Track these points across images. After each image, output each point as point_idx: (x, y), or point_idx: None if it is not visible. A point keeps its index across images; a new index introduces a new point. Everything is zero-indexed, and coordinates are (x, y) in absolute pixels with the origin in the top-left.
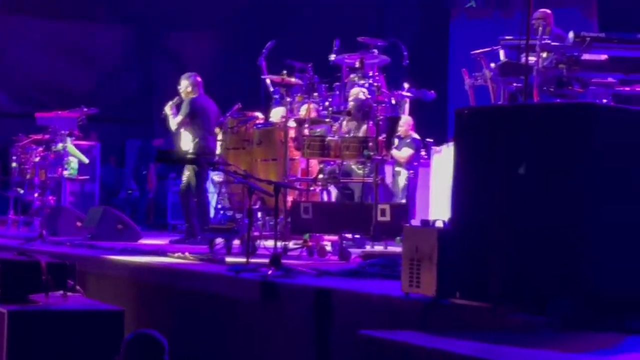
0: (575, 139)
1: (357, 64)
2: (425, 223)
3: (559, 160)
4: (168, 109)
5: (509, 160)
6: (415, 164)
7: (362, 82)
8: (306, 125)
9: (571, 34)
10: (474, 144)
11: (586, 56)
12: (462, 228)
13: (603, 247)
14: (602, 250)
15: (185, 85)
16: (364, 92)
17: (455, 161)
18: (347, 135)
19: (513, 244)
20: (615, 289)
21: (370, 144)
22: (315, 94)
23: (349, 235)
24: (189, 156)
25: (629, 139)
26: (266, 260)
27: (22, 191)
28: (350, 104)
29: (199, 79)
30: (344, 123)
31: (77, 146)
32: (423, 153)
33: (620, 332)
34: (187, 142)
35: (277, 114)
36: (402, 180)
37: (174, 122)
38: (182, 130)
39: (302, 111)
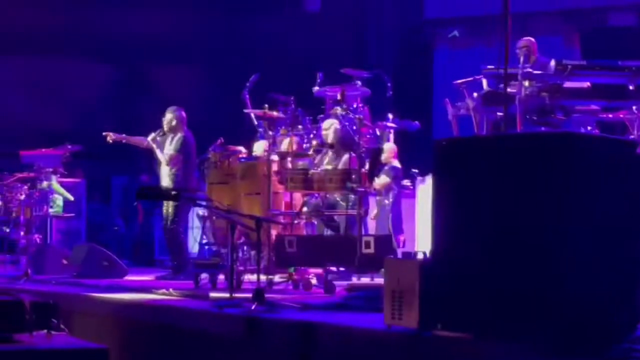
0: (554, 169)
1: (339, 97)
2: (407, 255)
3: (538, 191)
4: (150, 140)
5: (488, 191)
6: (395, 192)
7: (344, 114)
8: (289, 159)
9: (553, 62)
10: (452, 175)
11: (568, 84)
12: (443, 259)
13: (583, 279)
14: (582, 282)
15: (170, 118)
16: (336, 124)
17: (434, 192)
18: (328, 168)
19: (493, 274)
20: (594, 317)
21: (354, 176)
22: (300, 126)
23: (334, 268)
24: (171, 192)
25: (608, 167)
26: (250, 295)
27: (8, 230)
28: (327, 135)
29: (184, 113)
30: (325, 155)
31: (62, 183)
32: (407, 183)
33: None
34: (167, 177)
35: (260, 147)
36: (385, 211)
37: (163, 156)
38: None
39: (284, 145)
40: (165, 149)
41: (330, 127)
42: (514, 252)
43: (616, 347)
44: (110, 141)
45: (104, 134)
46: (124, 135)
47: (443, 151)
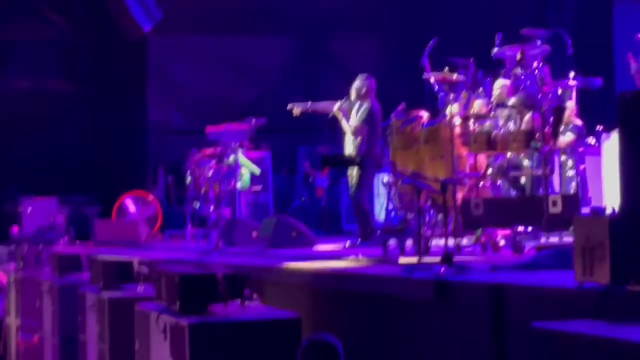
0: None
1: (518, 56)
2: (595, 211)
3: None
4: (337, 109)
5: None
6: (580, 150)
7: (525, 73)
8: (471, 121)
9: None
10: (637, 127)
11: None
12: (632, 214)
13: None
14: None
15: (359, 85)
16: (505, 84)
17: (621, 146)
18: (511, 128)
19: None
20: None
21: (537, 135)
22: (481, 89)
23: (522, 229)
24: (355, 159)
25: None
26: (438, 259)
27: (198, 205)
28: (498, 95)
29: (373, 82)
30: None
31: (248, 157)
32: (592, 141)
33: None
34: (351, 146)
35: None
36: (569, 169)
37: (348, 127)
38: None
39: (474, 107)
40: (351, 118)
41: (500, 87)
42: None
43: None
44: (297, 114)
45: (288, 107)
46: (309, 103)
47: (628, 105)
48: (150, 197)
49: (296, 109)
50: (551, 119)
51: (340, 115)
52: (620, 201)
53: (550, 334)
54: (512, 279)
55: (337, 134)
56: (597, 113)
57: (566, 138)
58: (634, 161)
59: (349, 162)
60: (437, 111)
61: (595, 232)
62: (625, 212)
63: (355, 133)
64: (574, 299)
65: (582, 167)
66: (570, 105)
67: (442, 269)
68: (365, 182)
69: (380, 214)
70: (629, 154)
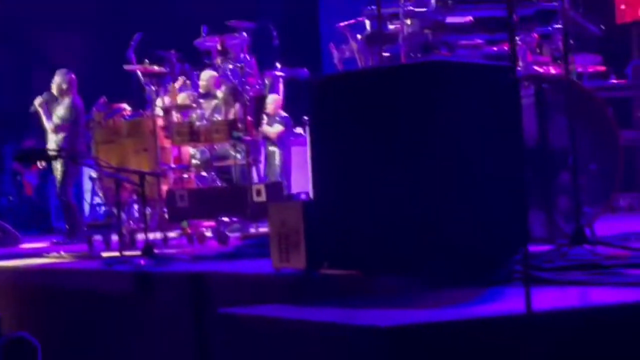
0: (423, 97)
1: (219, 47)
2: (289, 197)
3: (410, 119)
4: (37, 105)
5: (359, 127)
6: (289, 140)
7: (229, 64)
8: (174, 113)
9: None
10: (325, 113)
11: (450, 19)
12: (324, 199)
13: (462, 205)
14: (461, 208)
15: (59, 82)
16: (213, 75)
17: (311, 134)
18: (215, 119)
19: (375, 208)
20: (475, 244)
21: (239, 125)
22: (187, 81)
23: (227, 219)
24: (50, 152)
25: (480, 92)
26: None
27: None
28: (205, 86)
29: (73, 76)
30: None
31: None
32: (299, 130)
33: (484, 285)
34: (53, 144)
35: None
36: (276, 160)
37: (49, 124)
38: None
39: (179, 99)
40: (54, 115)
41: (207, 79)
42: (392, 185)
43: (501, 270)
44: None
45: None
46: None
47: (316, 91)
48: None
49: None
50: (252, 108)
51: (41, 112)
52: (312, 187)
53: (236, 318)
54: (212, 268)
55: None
56: (304, 103)
57: (274, 129)
58: (323, 146)
59: (43, 156)
60: (145, 105)
61: (290, 217)
62: (318, 197)
63: (57, 130)
64: (271, 286)
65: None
66: (276, 97)
67: (143, 261)
68: (69, 178)
69: (86, 209)
70: (318, 141)
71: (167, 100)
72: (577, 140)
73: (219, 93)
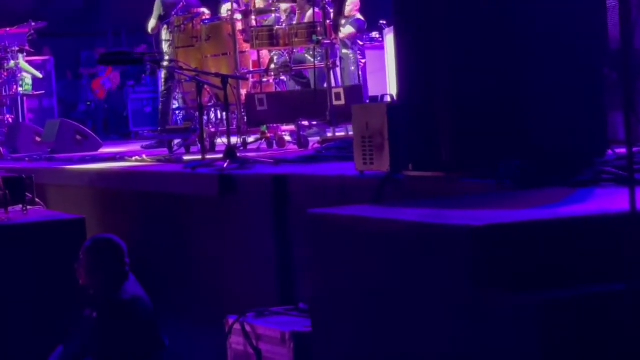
0: None
1: None
2: (374, 99)
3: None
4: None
5: (446, 28)
6: (361, 43)
7: None
8: (253, 17)
9: None
10: (411, 16)
11: None
12: (409, 100)
13: (545, 105)
14: (544, 108)
15: None
16: None
17: (395, 36)
18: (294, 23)
19: (458, 110)
20: (559, 145)
21: (319, 28)
22: None
23: (307, 123)
24: (133, 56)
25: None
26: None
27: None
28: None
29: None
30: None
31: (29, 62)
32: (376, 34)
33: (567, 186)
34: None
35: (225, 9)
36: (350, 64)
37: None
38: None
39: (255, 2)
40: None
41: None
42: (475, 86)
43: (587, 171)
44: None
45: None
46: None
47: None
48: None
49: None
50: (331, 11)
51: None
52: (397, 89)
53: (324, 218)
54: (295, 171)
55: (121, 36)
56: (381, 8)
57: (346, 31)
58: (409, 50)
59: (125, 59)
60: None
61: (375, 119)
62: (402, 99)
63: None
64: (355, 188)
65: (362, 61)
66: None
67: (225, 164)
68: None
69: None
70: (404, 43)
71: (235, 5)
72: None
73: None
